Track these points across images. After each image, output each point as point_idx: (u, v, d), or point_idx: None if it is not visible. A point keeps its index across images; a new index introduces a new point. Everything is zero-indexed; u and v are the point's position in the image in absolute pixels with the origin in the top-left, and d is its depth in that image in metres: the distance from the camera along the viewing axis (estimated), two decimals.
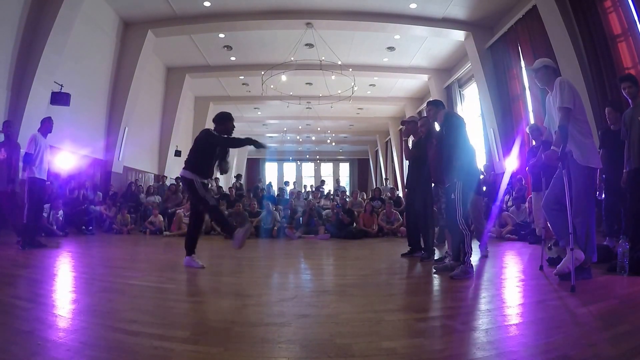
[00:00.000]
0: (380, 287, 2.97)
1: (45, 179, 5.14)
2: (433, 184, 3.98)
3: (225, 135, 3.74)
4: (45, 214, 6.34)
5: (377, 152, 20.85)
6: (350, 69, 10.25)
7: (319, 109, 14.19)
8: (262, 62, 11.04)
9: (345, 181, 23.52)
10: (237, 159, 19.23)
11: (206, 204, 3.59)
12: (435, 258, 4.07)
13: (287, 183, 13.35)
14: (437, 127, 3.95)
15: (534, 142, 5.15)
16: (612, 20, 6.07)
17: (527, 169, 6.22)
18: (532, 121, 7.80)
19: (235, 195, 9.37)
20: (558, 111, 2.70)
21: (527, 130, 5.41)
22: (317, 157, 24.96)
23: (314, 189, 12.32)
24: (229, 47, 10.65)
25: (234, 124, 3.82)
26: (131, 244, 6.07)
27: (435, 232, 4.88)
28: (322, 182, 16.00)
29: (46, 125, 5.05)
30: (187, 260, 3.60)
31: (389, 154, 18.49)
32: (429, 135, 4.01)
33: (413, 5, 8.55)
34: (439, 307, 2.44)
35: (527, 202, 6.61)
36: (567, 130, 2.64)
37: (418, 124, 4.30)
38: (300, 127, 17.74)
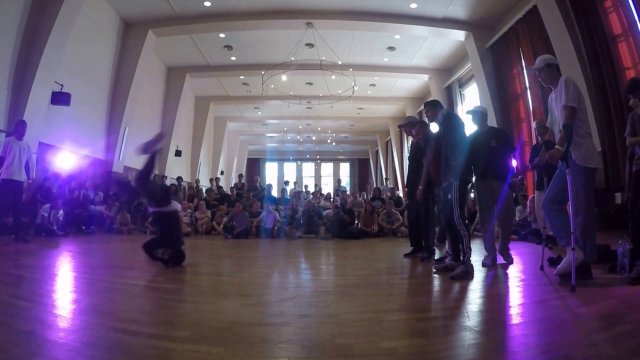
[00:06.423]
0: (380, 287, 2.96)
1: (23, 179, 5.42)
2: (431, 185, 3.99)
3: None
4: (45, 214, 6.36)
5: (377, 152, 20.86)
6: (351, 69, 10.25)
7: (319, 109, 14.19)
8: (263, 62, 11.05)
9: (345, 181, 23.51)
10: (237, 158, 19.25)
11: None
12: (436, 258, 4.07)
13: (287, 183, 13.36)
14: (433, 128, 3.97)
15: (539, 139, 5.08)
16: (612, 20, 6.07)
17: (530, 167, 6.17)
18: (532, 121, 7.79)
19: (235, 196, 9.38)
20: (562, 110, 2.69)
21: (534, 125, 5.38)
22: (318, 157, 24.95)
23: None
24: (229, 47, 10.65)
25: None
26: (131, 244, 6.07)
27: (436, 232, 4.88)
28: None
29: (18, 129, 5.41)
30: None
31: (389, 153, 18.49)
32: (427, 139, 4.03)
33: (413, 5, 8.55)
34: (440, 307, 2.43)
35: (528, 202, 6.60)
36: (572, 129, 2.63)
37: (413, 131, 4.32)
38: (300, 127, 17.75)
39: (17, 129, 5.45)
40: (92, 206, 7.78)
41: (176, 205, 3.98)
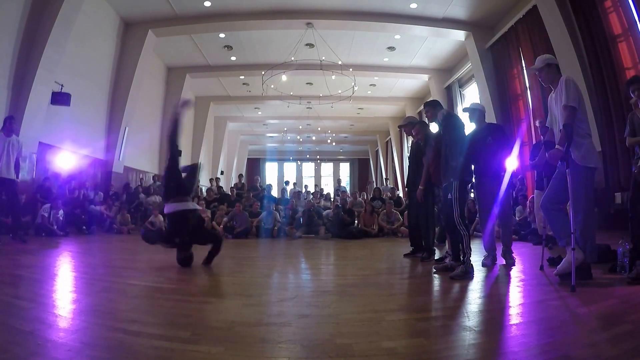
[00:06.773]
0: (380, 287, 2.96)
1: (13, 177, 5.30)
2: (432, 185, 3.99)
3: None
4: (45, 214, 6.36)
5: (377, 152, 20.86)
6: (351, 69, 10.25)
7: (320, 109, 14.19)
8: (263, 62, 11.05)
9: (345, 181, 23.52)
10: (237, 158, 19.24)
11: None
12: (436, 258, 4.07)
13: (287, 183, 13.37)
14: (433, 128, 3.97)
15: (542, 138, 5.07)
16: (612, 20, 6.07)
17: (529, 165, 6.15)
18: (532, 121, 7.79)
19: (235, 196, 9.38)
20: (563, 109, 2.69)
21: (537, 124, 5.35)
22: (318, 157, 24.96)
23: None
24: (229, 47, 10.65)
25: None
26: (131, 244, 6.07)
27: (436, 232, 4.88)
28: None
29: (6, 125, 5.29)
30: None
31: (389, 153, 18.49)
32: (427, 139, 4.03)
33: (413, 5, 8.56)
34: (439, 307, 2.43)
35: (527, 202, 6.60)
36: (572, 129, 2.63)
37: (413, 131, 4.32)
38: (300, 127, 17.74)
39: (5, 125, 5.30)
40: (92, 206, 7.78)
41: (188, 205, 3.82)
